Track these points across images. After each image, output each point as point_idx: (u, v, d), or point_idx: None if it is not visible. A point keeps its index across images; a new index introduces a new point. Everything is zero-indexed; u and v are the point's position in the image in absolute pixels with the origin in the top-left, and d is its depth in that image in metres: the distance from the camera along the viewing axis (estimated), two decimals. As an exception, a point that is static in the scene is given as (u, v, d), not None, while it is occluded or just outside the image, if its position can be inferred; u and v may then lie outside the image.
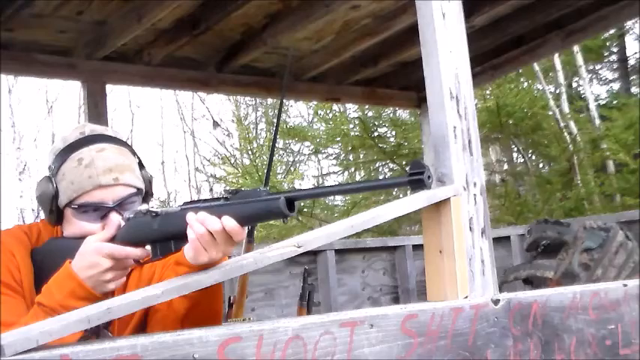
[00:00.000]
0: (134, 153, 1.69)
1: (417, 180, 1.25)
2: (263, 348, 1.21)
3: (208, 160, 13.53)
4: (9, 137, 13.44)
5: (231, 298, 3.03)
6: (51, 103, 14.15)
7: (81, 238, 1.51)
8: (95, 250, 1.44)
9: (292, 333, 1.26)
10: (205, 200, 1.40)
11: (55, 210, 1.62)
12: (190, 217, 1.34)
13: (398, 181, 1.28)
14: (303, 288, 3.08)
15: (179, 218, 1.38)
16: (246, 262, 1.37)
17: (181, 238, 1.38)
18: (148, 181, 1.70)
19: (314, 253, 4.03)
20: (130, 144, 1.72)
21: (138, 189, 1.64)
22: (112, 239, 1.48)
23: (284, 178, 10.20)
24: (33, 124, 14.70)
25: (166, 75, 3.72)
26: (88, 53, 3.43)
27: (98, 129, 1.68)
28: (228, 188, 1.38)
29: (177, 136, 15.49)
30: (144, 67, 3.61)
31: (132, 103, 15.18)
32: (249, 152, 9.90)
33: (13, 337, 1.06)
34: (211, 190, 14.54)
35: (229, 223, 1.31)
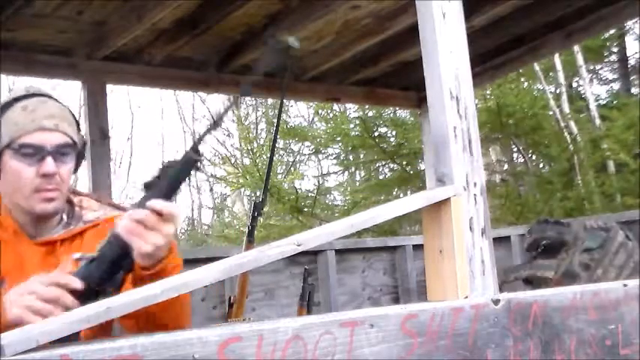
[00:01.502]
0: (74, 117, 1.76)
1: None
2: (263, 348, 1.21)
3: (208, 160, 13.54)
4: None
5: (232, 298, 3.04)
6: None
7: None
8: (40, 279, 1.41)
9: (292, 333, 1.26)
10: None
11: None
12: (118, 222, 1.42)
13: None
14: (304, 288, 3.09)
15: (113, 245, 1.44)
16: (246, 261, 1.37)
17: (124, 257, 1.43)
18: (83, 145, 1.77)
19: (314, 253, 4.03)
20: (71, 110, 1.79)
21: (74, 142, 1.70)
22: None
23: (284, 178, 10.20)
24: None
25: (166, 75, 3.72)
26: (88, 53, 3.43)
27: (42, 89, 1.75)
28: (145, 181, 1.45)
29: (177, 136, 15.50)
30: (144, 67, 3.61)
31: (132, 103, 15.18)
32: (250, 152, 9.90)
33: (13, 337, 1.06)
34: (211, 190, 14.55)
35: (152, 203, 1.39)
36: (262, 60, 1.45)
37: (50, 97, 1.72)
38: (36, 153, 1.62)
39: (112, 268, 1.45)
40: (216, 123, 1.45)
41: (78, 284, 1.40)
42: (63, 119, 1.68)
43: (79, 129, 1.76)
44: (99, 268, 1.44)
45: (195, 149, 1.44)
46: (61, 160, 1.65)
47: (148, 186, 1.45)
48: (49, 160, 1.62)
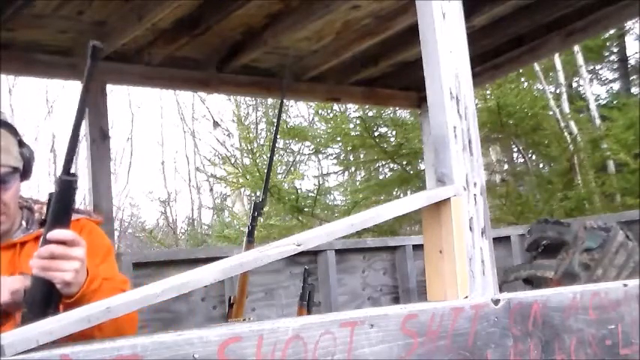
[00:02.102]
0: (14, 132, 1.80)
1: None
2: (263, 348, 1.21)
3: (208, 160, 13.55)
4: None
5: (232, 298, 3.04)
6: (51, 103, 14.15)
7: None
8: None
9: (292, 333, 1.26)
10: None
11: None
12: (30, 263, 1.45)
13: None
14: (304, 288, 3.08)
15: (37, 287, 1.47)
16: (246, 261, 1.37)
17: (51, 292, 1.46)
18: (27, 159, 1.82)
19: (314, 253, 4.03)
20: (10, 122, 1.83)
21: (14, 168, 1.75)
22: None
23: (284, 178, 10.20)
24: (33, 124, 14.70)
25: (166, 75, 3.72)
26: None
27: None
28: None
29: (177, 136, 15.51)
30: (144, 67, 3.61)
31: (132, 103, 15.19)
32: (250, 152, 9.90)
33: (13, 337, 1.06)
34: (212, 190, 14.55)
35: (50, 235, 1.43)
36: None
37: None
38: None
39: (46, 307, 1.47)
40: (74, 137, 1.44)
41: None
42: None
43: (20, 144, 1.80)
44: (33, 312, 1.46)
45: (65, 170, 1.45)
46: (2, 187, 1.72)
47: (42, 224, 1.54)
48: None
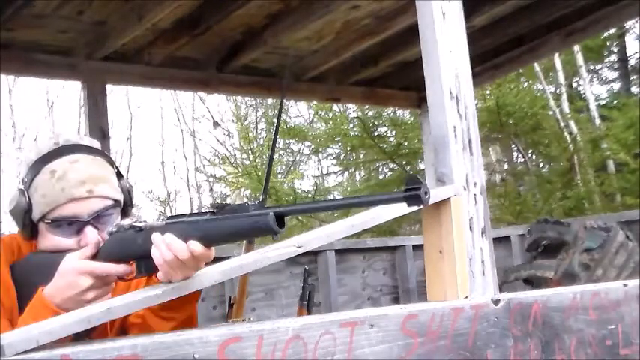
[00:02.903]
0: (112, 163, 1.64)
1: (413, 196, 1.19)
2: (263, 348, 1.21)
3: (208, 160, 13.55)
4: (9, 137, 13.45)
5: (232, 298, 3.03)
6: (51, 103, 14.16)
7: (62, 252, 1.44)
8: (74, 269, 1.36)
9: (292, 333, 1.26)
10: (191, 214, 1.34)
11: (28, 224, 1.55)
12: (156, 239, 1.28)
13: (393, 197, 1.23)
14: (304, 288, 3.08)
15: (138, 247, 1.35)
16: (246, 262, 1.37)
17: (141, 259, 1.36)
18: (127, 192, 1.64)
19: (314, 253, 4.03)
20: (107, 153, 1.66)
21: (115, 201, 1.58)
22: (94, 256, 1.41)
23: (284, 177, 10.20)
24: (33, 124, 14.70)
25: (166, 75, 3.72)
26: (88, 53, 3.43)
27: (73, 139, 1.60)
28: (216, 202, 1.31)
29: (177, 136, 15.50)
30: (144, 67, 3.61)
31: (132, 103, 15.19)
32: (249, 152, 9.90)
33: (13, 337, 1.06)
34: (211, 190, 14.55)
35: (196, 247, 1.26)
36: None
37: (81, 148, 1.57)
38: (72, 224, 1.52)
39: (125, 258, 1.39)
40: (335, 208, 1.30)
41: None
42: (97, 181, 1.54)
43: (119, 175, 1.63)
44: (116, 250, 1.39)
45: (280, 220, 1.23)
46: (102, 223, 1.53)
47: (220, 207, 1.30)
48: (89, 230, 1.51)
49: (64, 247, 1.51)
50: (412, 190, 1.19)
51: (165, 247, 1.27)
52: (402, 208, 1.61)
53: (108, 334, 1.57)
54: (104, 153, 1.64)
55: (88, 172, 1.54)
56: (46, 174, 1.53)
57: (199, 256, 1.28)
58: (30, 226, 1.56)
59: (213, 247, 1.31)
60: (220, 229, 1.27)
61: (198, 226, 1.29)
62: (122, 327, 1.59)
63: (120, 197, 1.60)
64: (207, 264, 1.35)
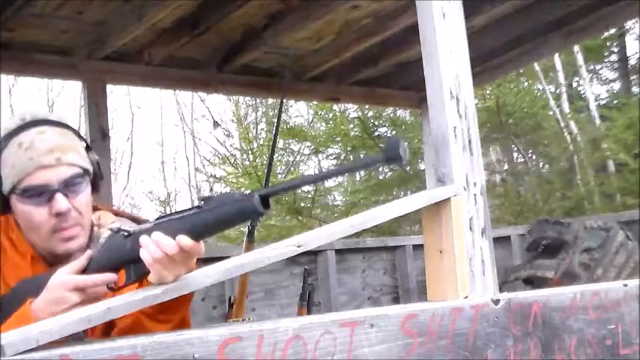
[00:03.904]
0: (80, 136, 1.63)
1: (393, 155, 1.19)
2: (263, 348, 1.21)
3: (208, 160, 13.54)
4: (9, 137, 13.40)
5: (232, 298, 3.04)
6: (51, 103, 14.16)
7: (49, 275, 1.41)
8: (62, 284, 1.35)
9: (292, 333, 1.26)
10: (179, 212, 1.33)
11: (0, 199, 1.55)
12: (144, 240, 1.28)
13: (374, 159, 1.24)
14: (304, 288, 3.08)
15: (126, 250, 1.35)
16: (246, 262, 1.37)
17: (130, 263, 1.35)
18: (96, 164, 1.63)
19: (314, 253, 4.03)
20: (76, 128, 1.65)
21: (84, 170, 1.57)
22: (85, 270, 1.39)
23: (284, 177, 10.20)
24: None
25: (166, 75, 3.71)
26: (88, 53, 3.43)
27: (40, 114, 1.60)
28: (202, 195, 1.30)
29: (177, 136, 15.50)
30: (144, 67, 3.61)
31: (132, 103, 15.19)
32: (249, 152, 9.90)
33: (13, 337, 1.06)
34: (211, 190, 14.54)
35: (184, 241, 1.26)
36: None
37: (49, 121, 1.58)
38: (42, 193, 1.51)
39: (116, 266, 1.37)
40: (315, 181, 1.30)
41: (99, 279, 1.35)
42: (65, 149, 1.54)
43: (89, 149, 1.63)
44: (105, 258, 1.37)
45: (264, 200, 1.25)
46: (73, 192, 1.53)
47: (206, 199, 1.31)
48: (59, 197, 1.50)
49: (37, 218, 1.51)
50: (391, 149, 1.20)
51: (153, 246, 1.27)
52: (402, 208, 1.62)
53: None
54: (72, 127, 1.63)
55: (56, 141, 1.54)
56: (13, 146, 1.53)
57: (189, 250, 1.27)
58: (1, 201, 1.56)
59: (202, 242, 1.31)
60: (207, 219, 1.28)
61: (185, 221, 1.30)
62: (106, 335, 1.55)
63: (89, 167, 1.60)
64: (199, 265, 1.35)
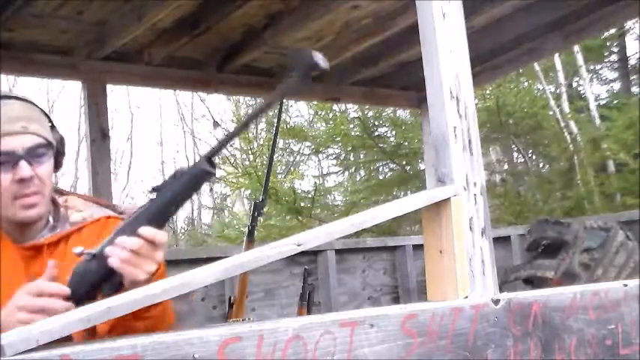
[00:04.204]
0: (46, 114, 1.68)
1: (308, 64, 1.23)
2: (263, 348, 1.21)
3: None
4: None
5: (232, 298, 3.04)
6: (51, 103, 14.16)
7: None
8: (15, 305, 1.36)
9: (292, 333, 1.26)
10: (134, 213, 1.38)
11: None
12: (109, 250, 1.34)
13: (292, 80, 1.27)
14: (304, 288, 3.09)
15: (97, 267, 1.38)
16: (246, 261, 1.37)
17: (112, 274, 1.37)
18: (60, 142, 1.69)
19: (314, 253, 4.03)
20: (42, 108, 1.70)
21: (48, 141, 1.61)
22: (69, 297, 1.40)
23: (284, 177, 10.20)
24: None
25: (166, 75, 3.72)
26: (88, 53, 3.43)
27: (6, 92, 1.68)
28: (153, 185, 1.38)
29: (177, 136, 15.51)
30: (144, 67, 3.61)
31: (132, 103, 15.19)
32: (249, 152, 9.90)
33: (13, 337, 1.06)
34: (211, 190, 14.56)
35: (145, 232, 1.33)
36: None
37: (18, 98, 1.64)
38: (7, 159, 1.54)
39: (91, 289, 1.39)
40: (242, 128, 1.37)
41: (66, 291, 1.37)
42: (31, 120, 1.60)
43: (53, 127, 1.69)
44: (78, 284, 1.39)
45: (209, 159, 1.32)
46: (36, 161, 1.57)
47: (156, 190, 1.37)
48: (23, 164, 1.54)
49: (2, 184, 1.55)
50: (302, 59, 1.24)
51: (118, 250, 1.33)
52: (402, 208, 1.62)
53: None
54: (38, 105, 1.69)
55: (23, 111, 1.60)
56: None
57: (152, 239, 1.34)
58: None
59: (164, 229, 1.36)
60: (162, 201, 1.34)
61: (140, 214, 1.35)
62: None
63: (53, 142, 1.65)
64: (200, 266, 1.35)
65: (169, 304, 1.60)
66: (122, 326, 1.44)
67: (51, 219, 1.67)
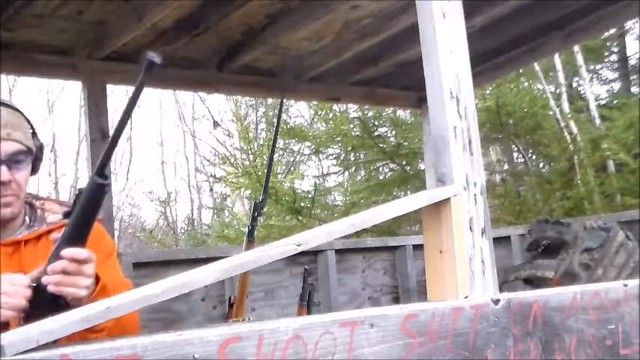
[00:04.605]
0: (29, 122, 1.78)
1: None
2: (263, 348, 1.21)
3: (208, 160, 13.55)
4: (9, 137, 13.39)
5: (232, 298, 3.04)
6: (51, 103, 14.16)
7: None
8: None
9: (292, 333, 1.26)
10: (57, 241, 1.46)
11: None
12: (44, 279, 1.43)
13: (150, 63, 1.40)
14: (304, 288, 3.09)
15: (44, 295, 1.44)
16: (246, 261, 1.37)
17: (57, 298, 1.44)
18: (39, 148, 1.79)
19: (314, 253, 4.03)
20: (25, 116, 1.80)
21: (28, 148, 1.72)
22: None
23: (284, 178, 10.20)
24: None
25: (166, 75, 3.72)
26: (88, 53, 3.43)
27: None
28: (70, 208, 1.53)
29: (177, 136, 15.51)
30: (144, 67, 3.61)
31: (132, 103, 15.16)
32: (249, 152, 9.90)
33: (13, 337, 1.06)
34: (211, 190, 14.56)
35: (66, 253, 1.42)
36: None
37: (5, 104, 1.74)
38: None
39: (45, 311, 1.41)
40: (113, 141, 1.40)
41: (27, 281, 1.46)
42: (15, 127, 1.70)
43: (34, 133, 1.79)
44: (32, 309, 1.44)
45: (99, 172, 1.41)
46: (16, 167, 1.68)
47: (67, 215, 1.48)
48: (3, 168, 1.66)
49: None
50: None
51: (50, 277, 1.43)
52: (402, 208, 1.62)
53: None
54: (22, 112, 1.78)
55: (8, 119, 1.70)
56: None
57: (75, 257, 1.43)
58: None
59: (83, 238, 1.44)
60: (73, 224, 1.43)
61: (61, 240, 1.44)
62: None
63: (33, 148, 1.76)
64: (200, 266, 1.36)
65: (132, 316, 1.65)
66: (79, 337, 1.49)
67: (27, 219, 1.79)
